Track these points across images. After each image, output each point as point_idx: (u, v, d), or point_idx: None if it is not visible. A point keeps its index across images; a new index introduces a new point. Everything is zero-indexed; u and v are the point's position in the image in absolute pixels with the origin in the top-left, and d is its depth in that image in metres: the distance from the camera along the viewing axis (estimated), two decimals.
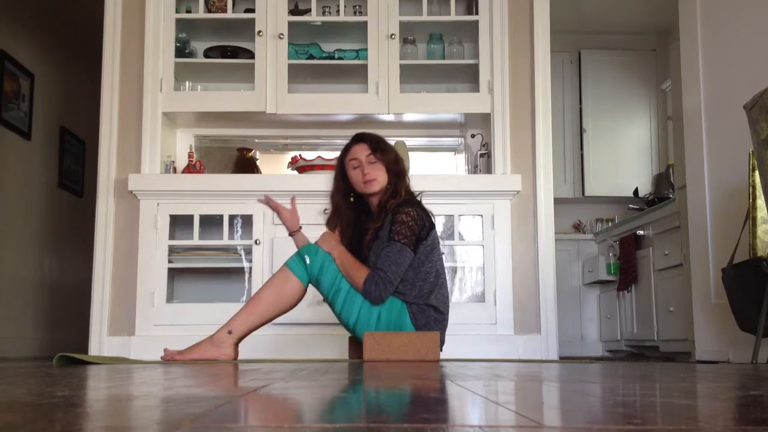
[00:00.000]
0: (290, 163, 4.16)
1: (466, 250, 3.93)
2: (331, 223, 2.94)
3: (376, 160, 2.85)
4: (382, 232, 2.77)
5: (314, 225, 3.65)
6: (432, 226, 2.84)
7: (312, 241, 2.89)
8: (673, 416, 0.84)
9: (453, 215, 3.89)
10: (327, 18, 4.18)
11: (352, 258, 2.78)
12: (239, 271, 3.91)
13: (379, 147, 2.87)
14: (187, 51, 4.21)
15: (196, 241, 3.86)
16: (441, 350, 2.79)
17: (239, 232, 3.95)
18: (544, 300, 3.87)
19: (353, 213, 2.93)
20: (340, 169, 2.93)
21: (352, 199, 2.93)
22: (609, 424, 0.77)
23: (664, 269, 4.99)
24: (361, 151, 2.87)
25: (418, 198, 2.90)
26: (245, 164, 4.21)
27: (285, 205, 3.01)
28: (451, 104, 4.14)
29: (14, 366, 2.62)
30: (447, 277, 2.97)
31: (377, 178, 2.84)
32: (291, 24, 4.09)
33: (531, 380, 1.61)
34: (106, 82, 4.02)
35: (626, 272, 5.48)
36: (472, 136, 4.34)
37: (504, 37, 4.05)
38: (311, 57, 4.22)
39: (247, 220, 3.90)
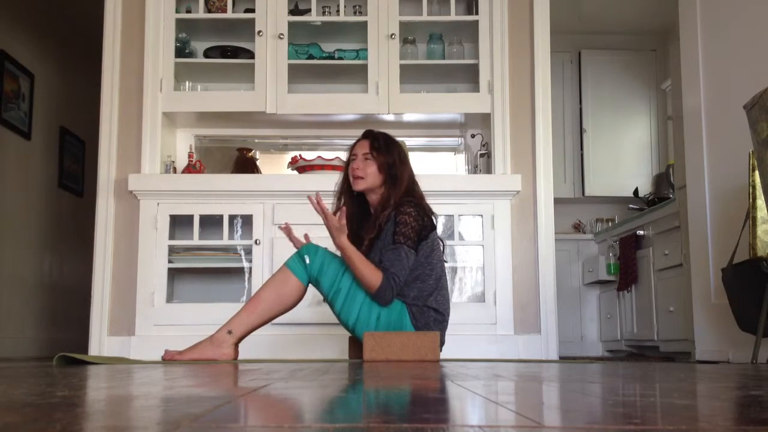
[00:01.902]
0: (290, 163, 4.16)
1: (466, 250, 3.93)
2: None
3: (371, 159, 2.85)
4: (384, 235, 2.76)
5: (314, 225, 3.66)
6: (433, 227, 2.83)
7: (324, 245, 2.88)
8: (673, 416, 0.84)
9: (453, 215, 3.89)
10: (327, 18, 4.18)
11: (361, 256, 2.74)
12: (239, 271, 3.91)
13: (377, 147, 2.86)
14: (187, 51, 4.21)
15: (196, 241, 3.86)
16: (441, 350, 2.79)
17: (239, 232, 3.95)
18: (544, 300, 3.87)
19: (357, 208, 2.92)
20: (347, 163, 2.96)
21: (356, 194, 2.93)
22: (609, 424, 0.77)
23: (664, 269, 4.99)
24: (361, 147, 2.89)
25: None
26: (245, 164, 4.21)
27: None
28: (451, 104, 4.14)
29: (14, 366, 2.62)
30: (447, 278, 2.96)
31: (365, 176, 2.84)
32: (291, 24, 4.09)
33: (531, 380, 1.61)
34: (106, 82, 4.02)
35: (626, 272, 5.48)
36: (472, 136, 4.34)
37: (504, 37, 4.05)
38: (311, 57, 4.22)
39: (247, 220, 3.90)
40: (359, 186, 2.85)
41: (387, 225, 2.77)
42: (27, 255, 5.52)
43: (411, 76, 4.18)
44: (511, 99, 4.03)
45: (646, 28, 6.38)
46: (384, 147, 2.87)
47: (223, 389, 1.29)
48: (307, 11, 4.15)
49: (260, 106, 4.03)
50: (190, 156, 4.19)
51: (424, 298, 2.76)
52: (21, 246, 5.41)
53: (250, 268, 3.84)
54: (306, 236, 2.89)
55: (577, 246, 6.24)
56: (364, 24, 4.10)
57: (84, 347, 3.95)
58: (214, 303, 3.79)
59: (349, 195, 2.92)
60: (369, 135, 2.92)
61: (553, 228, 3.96)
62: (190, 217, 3.87)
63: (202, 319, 3.58)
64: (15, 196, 5.34)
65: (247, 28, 4.09)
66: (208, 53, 4.26)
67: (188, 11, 4.18)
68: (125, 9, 4.07)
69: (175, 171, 4.10)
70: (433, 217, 2.88)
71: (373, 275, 2.71)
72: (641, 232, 5.40)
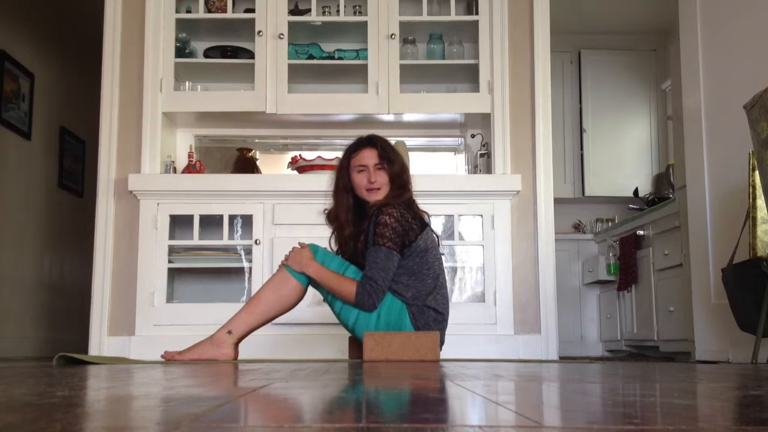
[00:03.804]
0: (290, 163, 4.16)
1: (466, 250, 3.93)
2: (332, 220, 2.90)
3: (383, 169, 2.80)
4: (368, 236, 2.73)
5: (314, 225, 3.67)
6: (423, 227, 2.79)
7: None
8: (673, 416, 0.84)
9: (453, 215, 3.89)
10: (327, 18, 4.18)
11: (331, 272, 2.72)
12: (239, 271, 3.91)
13: (387, 156, 2.81)
14: (187, 51, 4.21)
15: (196, 241, 3.86)
16: (441, 350, 2.78)
17: (239, 232, 3.95)
18: (544, 300, 3.87)
19: (354, 209, 2.89)
20: (345, 167, 2.87)
21: (351, 200, 2.89)
22: (609, 424, 0.77)
23: (664, 269, 4.99)
24: (370, 157, 2.81)
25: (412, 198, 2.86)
26: (245, 164, 4.21)
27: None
28: (451, 104, 4.14)
29: (14, 366, 2.62)
30: (447, 278, 2.95)
31: (381, 187, 2.79)
32: (291, 24, 4.09)
33: (531, 380, 1.61)
34: (106, 82, 4.02)
35: (626, 272, 5.48)
36: (472, 136, 4.34)
37: (504, 37, 4.05)
38: (311, 57, 4.22)
39: (247, 220, 3.90)
40: (377, 197, 2.79)
41: (369, 226, 2.72)
42: (27, 255, 5.51)
43: (411, 76, 4.18)
44: (511, 99, 4.02)
45: (646, 28, 6.38)
46: (392, 155, 2.84)
47: (223, 389, 1.30)
48: (307, 11, 4.15)
49: (260, 106, 4.03)
50: (190, 156, 4.19)
51: (422, 298, 2.76)
52: (21, 246, 5.41)
53: (250, 268, 3.84)
54: (301, 244, 2.87)
55: (577, 246, 6.24)
56: (364, 24, 4.10)
57: (84, 347, 3.95)
58: (214, 303, 3.79)
59: (347, 197, 2.88)
60: (376, 144, 2.84)
61: (553, 228, 3.96)
62: (190, 217, 3.87)
63: (202, 319, 3.58)
64: (15, 196, 5.34)
65: (247, 28, 4.09)
66: (208, 53, 4.26)
67: (188, 11, 4.18)
68: (125, 9, 4.07)
69: (175, 171, 4.10)
70: (425, 216, 2.85)
71: (345, 288, 2.68)
72: (641, 232, 5.40)
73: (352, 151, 2.87)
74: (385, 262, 2.66)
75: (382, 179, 2.79)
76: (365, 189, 2.80)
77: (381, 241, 2.66)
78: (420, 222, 2.78)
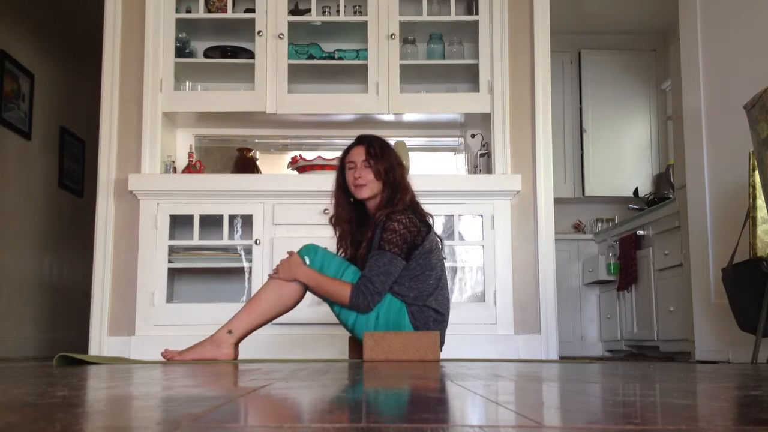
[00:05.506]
0: (290, 163, 4.16)
1: (466, 250, 3.93)
2: (334, 221, 2.92)
3: (369, 166, 2.83)
4: (375, 240, 2.74)
5: (314, 225, 3.67)
6: (428, 230, 2.80)
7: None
8: (673, 416, 0.84)
9: (453, 215, 3.89)
10: (327, 18, 4.18)
11: (324, 276, 2.73)
12: (239, 271, 3.91)
13: (373, 153, 2.83)
14: (187, 51, 4.21)
15: (196, 241, 3.86)
16: (441, 350, 2.78)
17: (239, 232, 3.95)
18: (544, 300, 3.87)
19: (354, 214, 2.91)
20: (341, 168, 2.92)
21: (352, 200, 2.91)
22: (609, 424, 0.77)
23: (664, 269, 4.99)
24: (358, 154, 2.85)
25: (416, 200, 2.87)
26: (245, 164, 4.21)
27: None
28: (451, 104, 4.14)
29: (14, 366, 2.62)
30: (447, 278, 2.95)
31: (368, 183, 2.81)
32: (291, 24, 4.09)
33: (531, 380, 1.61)
34: (106, 82, 4.02)
35: (626, 272, 5.48)
36: (472, 136, 4.34)
37: (504, 37, 4.05)
38: (311, 57, 4.22)
39: (247, 220, 3.90)
40: (364, 194, 2.81)
41: (377, 231, 2.74)
42: (27, 255, 5.51)
43: (411, 76, 4.18)
44: (511, 99, 4.02)
45: (646, 28, 6.38)
46: (380, 152, 2.85)
47: (223, 389, 1.30)
48: (307, 11, 4.15)
49: (260, 106, 4.03)
50: (190, 156, 4.19)
51: (423, 298, 2.76)
52: (21, 246, 5.41)
53: (250, 268, 3.84)
54: (289, 253, 2.86)
55: (577, 246, 6.23)
56: (364, 24, 4.10)
57: (84, 347, 3.95)
58: (214, 303, 3.79)
59: (345, 200, 2.90)
60: (364, 141, 2.88)
61: (553, 228, 3.96)
62: (190, 217, 3.87)
63: (202, 319, 3.58)
64: (15, 196, 5.34)
65: (247, 28, 4.09)
66: (208, 53, 4.26)
67: (188, 11, 4.18)
68: (125, 9, 4.07)
69: (175, 171, 4.10)
70: (429, 219, 2.86)
71: (339, 291, 2.69)
72: (641, 232, 5.40)
73: (345, 151, 2.93)
74: (388, 266, 2.67)
75: (368, 176, 2.81)
76: (352, 185, 2.84)
77: (387, 246, 2.68)
78: (426, 225, 2.80)
